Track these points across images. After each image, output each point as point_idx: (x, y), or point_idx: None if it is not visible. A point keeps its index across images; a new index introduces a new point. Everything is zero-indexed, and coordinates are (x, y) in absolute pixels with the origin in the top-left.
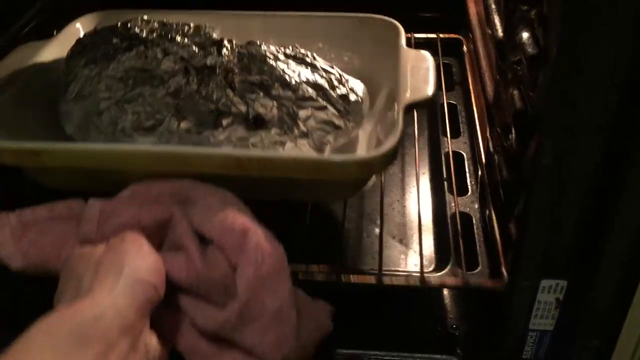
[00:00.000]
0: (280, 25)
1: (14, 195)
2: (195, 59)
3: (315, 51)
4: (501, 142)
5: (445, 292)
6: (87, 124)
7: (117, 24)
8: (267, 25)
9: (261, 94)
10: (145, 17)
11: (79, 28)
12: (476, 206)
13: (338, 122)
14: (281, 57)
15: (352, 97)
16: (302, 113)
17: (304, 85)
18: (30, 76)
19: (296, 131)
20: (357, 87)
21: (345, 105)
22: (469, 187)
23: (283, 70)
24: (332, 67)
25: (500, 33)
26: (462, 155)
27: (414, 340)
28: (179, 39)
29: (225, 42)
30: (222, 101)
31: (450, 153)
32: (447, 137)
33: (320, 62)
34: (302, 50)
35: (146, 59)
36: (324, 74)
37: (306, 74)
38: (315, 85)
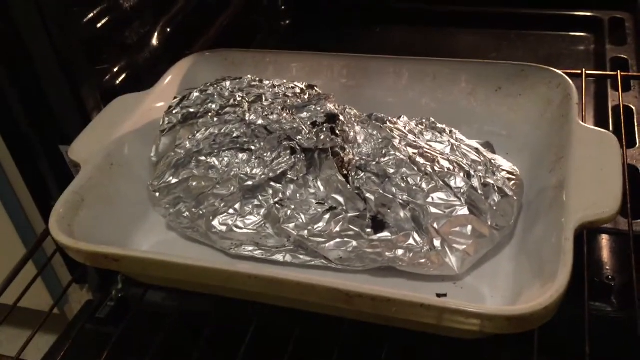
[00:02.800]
0: (423, 70)
1: None
2: (305, 137)
3: (463, 100)
4: None
5: (603, 243)
6: (177, 203)
7: (216, 85)
8: (405, 69)
9: (383, 188)
10: (249, 77)
11: (178, 75)
12: None
13: (481, 228)
14: (411, 137)
15: (502, 193)
16: (434, 214)
17: (438, 178)
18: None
19: (425, 238)
20: (509, 175)
21: (492, 205)
22: (637, 140)
23: (411, 158)
24: (477, 150)
25: None
26: (632, 109)
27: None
28: (285, 114)
29: (341, 117)
30: (332, 195)
31: (621, 105)
32: (619, 90)
33: (462, 141)
34: (440, 125)
35: (246, 136)
36: (465, 159)
37: (442, 160)
38: (454, 176)
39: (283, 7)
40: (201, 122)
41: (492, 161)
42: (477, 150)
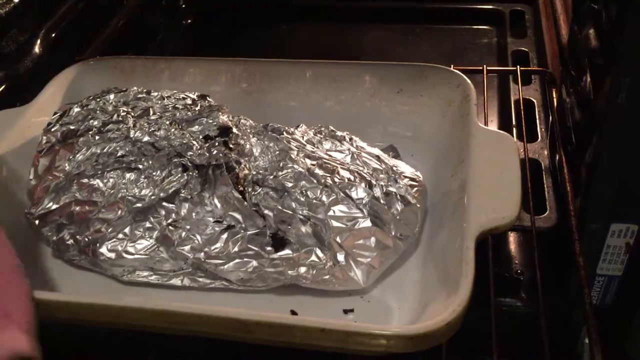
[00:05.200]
0: (325, 73)
1: None
2: (196, 153)
3: (367, 102)
4: (574, 85)
5: (511, 238)
6: (60, 229)
7: (99, 99)
8: (307, 72)
9: (281, 203)
10: (135, 89)
11: (61, 87)
12: (546, 152)
13: (385, 239)
14: (309, 148)
15: (405, 202)
16: (336, 228)
17: (339, 190)
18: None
19: (328, 254)
20: (412, 182)
21: (395, 214)
22: (539, 133)
23: (310, 170)
24: (379, 157)
25: None
26: (533, 102)
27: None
28: (173, 129)
29: (235, 130)
30: (229, 212)
31: (521, 100)
32: (518, 84)
33: (363, 148)
34: (339, 133)
35: (132, 154)
36: (366, 168)
37: (342, 170)
38: (355, 187)
39: (184, 6)
40: (82, 140)
41: (394, 168)
42: (378, 158)
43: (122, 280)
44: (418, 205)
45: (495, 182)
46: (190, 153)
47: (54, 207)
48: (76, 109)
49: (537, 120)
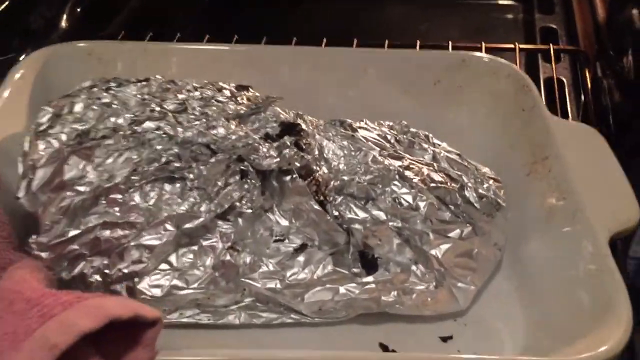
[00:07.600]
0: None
1: None
2: (263, 156)
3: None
4: (612, 65)
5: None
6: (77, 264)
7: (111, 91)
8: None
9: (369, 213)
10: (159, 77)
11: (25, 79)
12: None
13: (487, 250)
14: (389, 146)
15: (498, 205)
16: (435, 241)
17: (433, 196)
18: None
19: (429, 273)
20: (496, 183)
21: (491, 221)
22: (569, 113)
23: (399, 172)
24: (460, 156)
25: None
26: (563, 81)
27: None
28: (233, 126)
29: (304, 126)
30: (302, 229)
31: (555, 79)
32: (551, 63)
33: (442, 146)
34: (413, 130)
35: (181, 159)
36: (453, 170)
37: (431, 173)
38: (448, 191)
39: None
40: (107, 144)
41: (478, 168)
42: (460, 157)
43: None
44: (506, 209)
45: (601, 182)
46: (255, 156)
47: (73, 233)
48: (79, 104)
49: (567, 100)
